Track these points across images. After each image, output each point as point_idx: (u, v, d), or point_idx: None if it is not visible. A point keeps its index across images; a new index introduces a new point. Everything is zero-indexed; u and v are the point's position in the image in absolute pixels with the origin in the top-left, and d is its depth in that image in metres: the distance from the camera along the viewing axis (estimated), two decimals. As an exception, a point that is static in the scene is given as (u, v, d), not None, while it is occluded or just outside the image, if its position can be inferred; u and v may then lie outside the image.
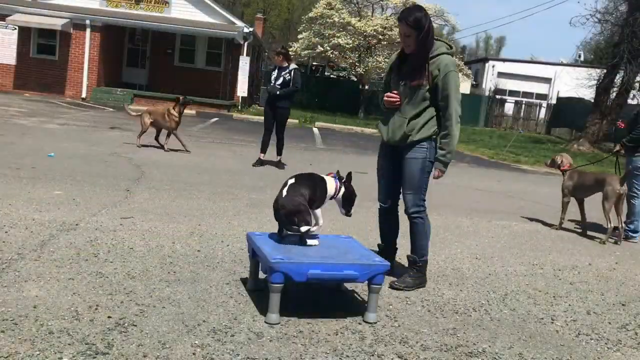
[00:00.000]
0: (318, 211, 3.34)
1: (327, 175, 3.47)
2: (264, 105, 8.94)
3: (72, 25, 19.61)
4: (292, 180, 3.31)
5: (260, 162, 8.63)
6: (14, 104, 15.17)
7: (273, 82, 8.44)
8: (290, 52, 9.60)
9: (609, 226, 5.79)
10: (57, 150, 7.91)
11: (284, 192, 3.25)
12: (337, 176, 3.48)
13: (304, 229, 3.17)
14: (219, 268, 3.68)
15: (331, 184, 3.40)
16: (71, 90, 20.03)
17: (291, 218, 3.19)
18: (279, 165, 8.64)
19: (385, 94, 3.75)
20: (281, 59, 8.48)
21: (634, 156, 6.09)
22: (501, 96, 32.13)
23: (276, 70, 8.51)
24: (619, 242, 5.81)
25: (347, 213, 3.53)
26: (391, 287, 3.63)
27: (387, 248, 4.05)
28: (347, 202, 3.49)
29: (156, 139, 9.31)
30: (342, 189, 3.45)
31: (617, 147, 6.27)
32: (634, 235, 6.13)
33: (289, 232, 3.26)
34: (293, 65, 8.55)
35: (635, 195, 6.10)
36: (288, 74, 8.36)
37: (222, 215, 5.14)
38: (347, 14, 24.29)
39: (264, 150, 8.72)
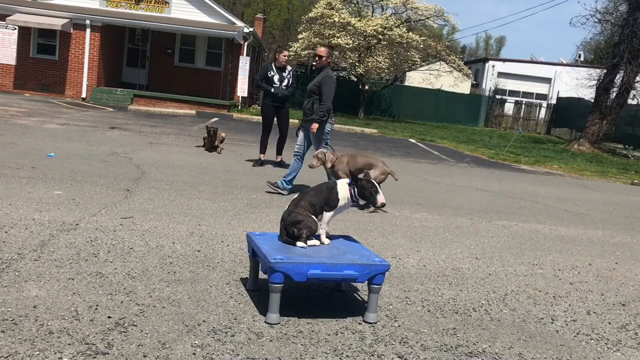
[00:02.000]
0: (328, 214, 3.34)
1: (344, 180, 3.46)
2: (263, 106, 8.91)
3: (72, 25, 19.61)
4: (295, 195, 3.40)
5: (260, 162, 8.64)
6: (14, 104, 15.17)
7: (278, 83, 8.46)
8: (290, 53, 9.67)
9: None
10: (57, 150, 7.91)
11: (286, 207, 3.35)
12: (352, 181, 3.42)
13: (299, 244, 3.21)
14: (219, 268, 3.68)
15: (343, 188, 3.38)
16: (71, 90, 20.03)
17: (290, 230, 3.25)
18: (282, 164, 8.65)
19: None
20: (286, 59, 8.57)
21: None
22: (501, 96, 32.15)
23: (275, 71, 8.50)
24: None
25: (375, 206, 3.39)
26: None
27: None
28: (364, 197, 3.37)
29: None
30: (356, 188, 3.38)
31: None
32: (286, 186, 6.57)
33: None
34: (289, 67, 8.71)
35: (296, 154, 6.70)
36: (289, 75, 8.54)
37: (222, 215, 5.14)
38: (347, 14, 24.31)
39: (263, 150, 8.73)
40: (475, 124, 29.52)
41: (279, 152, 8.77)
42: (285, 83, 8.49)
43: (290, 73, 8.61)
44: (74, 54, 19.94)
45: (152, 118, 15.54)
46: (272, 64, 8.61)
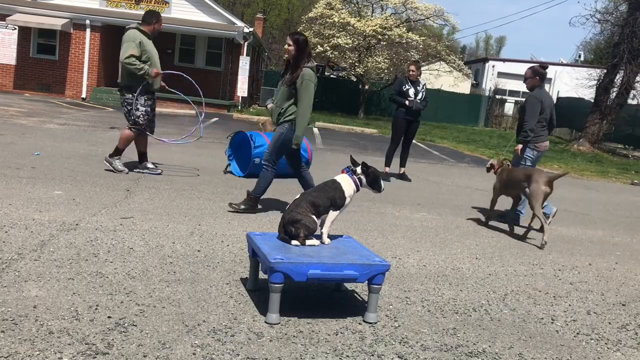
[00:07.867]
0: (334, 214, 3.40)
1: (341, 174, 3.54)
2: (395, 119, 8.68)
3: (72, 25, 19.61)
4: (297, 196, 3.43)
5: (387, 176, 8.50)
6: (14, 104, 15.17)
7: (413, 97, 8.44)
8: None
9: (544, 225, 5.31)
10: (57, 150, 7.91)
11: (288, 206, 3.39)
12: (350, 170, 3.55)
13: (294, 242, 3.23)
14: (219, 268, 3.68)
15: (346, 182, 3.48)
16: (71, 90, 20.04)
17: (288, 229, 3.27)
18: (404, 176, 8.71)
19: None
20: (419, 73, 8.58)
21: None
22: (501, 96, 32.14)
23: (410, 84, 8.48)
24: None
25: (379, 191, 3.62)
26: None
27: None
28: (374, 184, 3.58)
29: None
30: (364, 178, 3.55)
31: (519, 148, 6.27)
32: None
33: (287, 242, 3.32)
34: (423, 80, 8.80)
35: None
36: (423, 89, 8.61)
37: (222, 215, 5.14)
38: (347, 14, 24.30)
39: (389, 163, 8.67)
40: (475, 124, 29.51)
41: (403, 164, 8.79)
42: (419, 97, 8.50)
43: (424, 87, 8.64)
44: (74, 54, 19.95)
45: (152, 118, 15.52)
46: (406, 77, 8.58)
